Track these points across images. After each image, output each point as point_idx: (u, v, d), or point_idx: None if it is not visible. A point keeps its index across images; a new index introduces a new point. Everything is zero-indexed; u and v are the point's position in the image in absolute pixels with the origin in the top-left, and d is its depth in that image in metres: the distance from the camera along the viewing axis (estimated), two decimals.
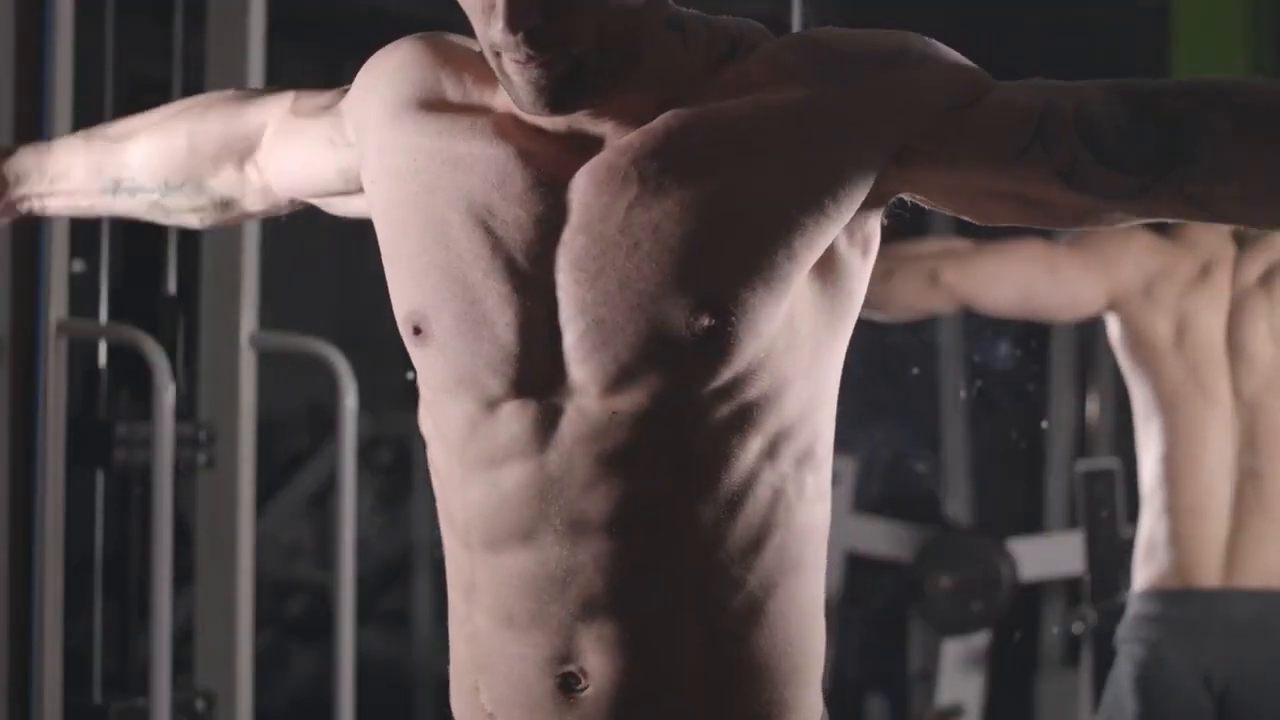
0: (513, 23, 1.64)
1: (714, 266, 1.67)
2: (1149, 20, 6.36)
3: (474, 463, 1.75)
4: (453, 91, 1.81)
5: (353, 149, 1.89)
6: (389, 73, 1.85)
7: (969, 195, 1.75)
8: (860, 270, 1.77)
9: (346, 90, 1.92)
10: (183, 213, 2.12)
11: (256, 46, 3.91)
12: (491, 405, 1.73)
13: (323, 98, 1.96)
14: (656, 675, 1.72)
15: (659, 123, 1.71)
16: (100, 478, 3.70)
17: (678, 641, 1.72)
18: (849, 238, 1.74)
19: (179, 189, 2.09)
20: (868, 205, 1.73)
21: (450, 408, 1.76)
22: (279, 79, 4.20)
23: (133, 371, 3.72)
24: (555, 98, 1.68)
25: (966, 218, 1.78)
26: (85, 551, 3.69)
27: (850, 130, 1.69)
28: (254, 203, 2.07)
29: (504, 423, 1.73)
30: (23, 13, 3.36)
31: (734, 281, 1.67)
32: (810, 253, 1.70)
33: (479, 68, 1.80)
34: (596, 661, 1.72)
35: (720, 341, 1.67)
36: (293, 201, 2.04)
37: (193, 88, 3.92)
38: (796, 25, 3.86)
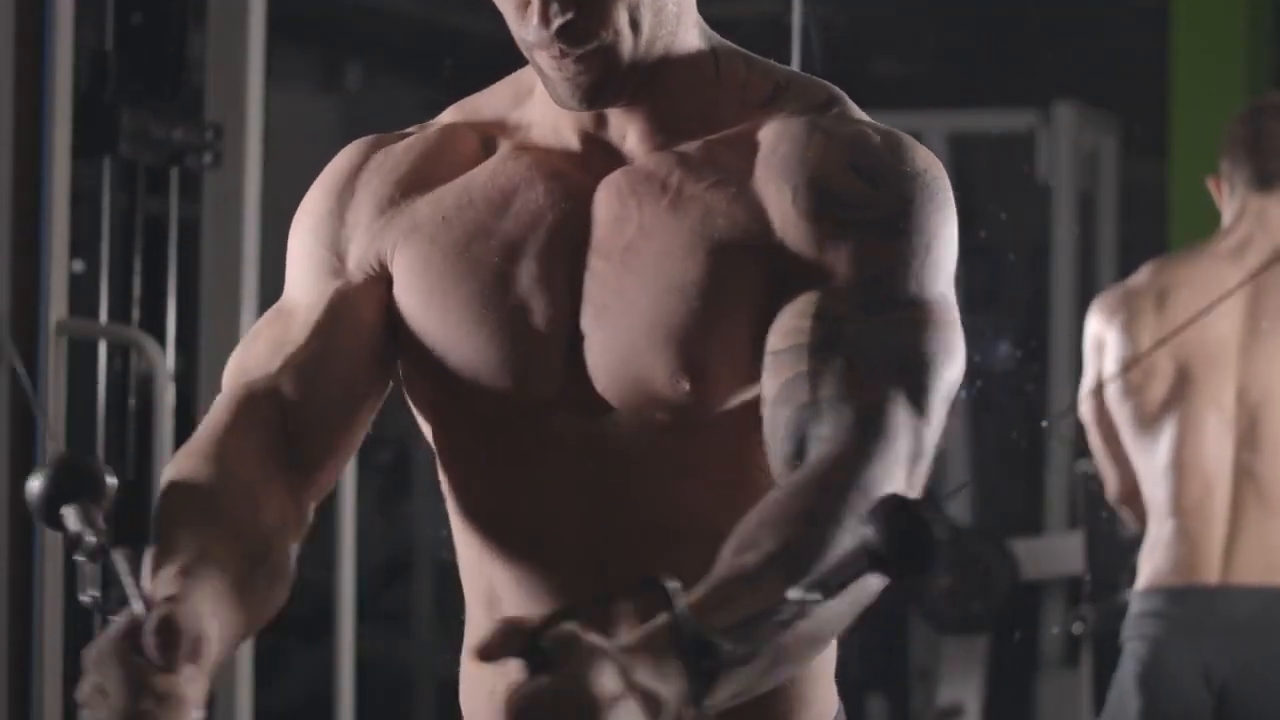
0: (546, 19, 1.65)
1: (685, 331, 1.67)
2: (1149, 20, 6.36)
3: (497, 470, 1.75)
4: (450, 154, 1.79)
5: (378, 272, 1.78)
6: (377, 165, 1.80)
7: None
8: None
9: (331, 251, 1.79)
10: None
11: (256, 46, 3.92)
12: (515, 415, 1.73)
13: (306, 296, 1.78)
14: None
15: (665, 167, 1.71)
16: None
17: None
18: None
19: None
20: None
21: (469, 419, 1.76)
22: (279, 79, 4.21)
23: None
24: (591, 93, 1.69)
25: None
26: None
27: (771, 237, 1.68)
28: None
29: (527, 432, 1.73)
30: (23, 13, 3.37)
31: (704, 350, 1.67)
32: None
33: (455, 138, 1.79)
34: None
35: (703, 397, 1.68)
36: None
37: (193, 88, 3.91)
38: (797, 25, 3.85)
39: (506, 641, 1.34)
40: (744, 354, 1.67)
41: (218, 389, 1.86)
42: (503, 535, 1.76)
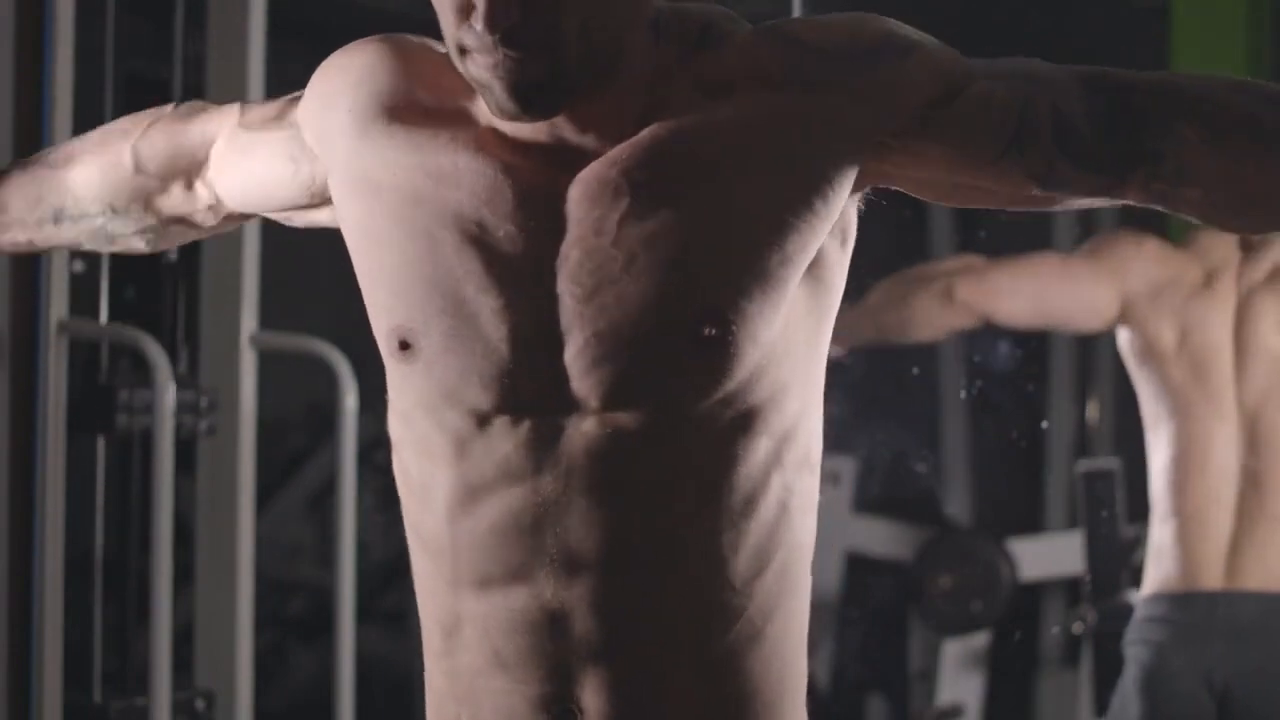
0: (492, 20, 1.57)
1: (712, 276, 1.63)
2: (1149, 20, 6.36)
3: (462, 489, 1.69)
4: (426, 98, 1.74)
5: (316, 161, 1.80)
6: (354, 80, 1.77)
7: (937, 186, 1.74)
8: (840, 260, 1.74)
9: (297, 98, 1.83)
10: (128, 237, 1.97)
11: (256, 46, 3.91)
12: (482, 423, 1.67)
13: (271, 108, 1.86)
14: (651, 710, 1.67)
15: (646, 134, 1.66)
16: (100, 479, 3.70)
17: (675, 676, 1.67)
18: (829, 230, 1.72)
19: (124, 212, 1.95)
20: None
21: (433, 427, 1.70)
22: (279, 79, 4.20)
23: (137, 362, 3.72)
24: (530, 102, 1.61)
25: (928, 199, 1.77)
26: (85, 551, 3.69)
27: (834, 131, 1.67)
28: (204, 219, 1.95)
29: (496, 443, 1.67)
30: (23, 13, 3.36)
31: (733, 290, 1.63)
32: (804, 255, 1.67)
33: (451, 71, 1.72)
34: (592, 699, 1.68)
35: (722, 351, 1.62)
36: (244, 216, 1.94)
37: (193, 88, 3.92)
38: None
39: None
40: (773, 285, 1.65)
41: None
42: (469, 559, 1.71)
